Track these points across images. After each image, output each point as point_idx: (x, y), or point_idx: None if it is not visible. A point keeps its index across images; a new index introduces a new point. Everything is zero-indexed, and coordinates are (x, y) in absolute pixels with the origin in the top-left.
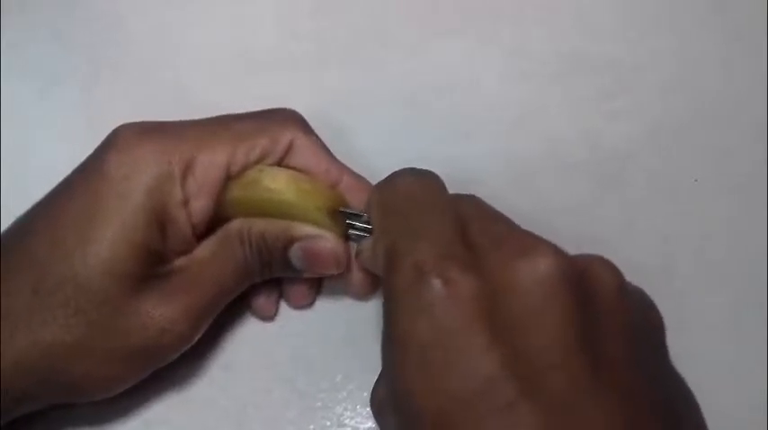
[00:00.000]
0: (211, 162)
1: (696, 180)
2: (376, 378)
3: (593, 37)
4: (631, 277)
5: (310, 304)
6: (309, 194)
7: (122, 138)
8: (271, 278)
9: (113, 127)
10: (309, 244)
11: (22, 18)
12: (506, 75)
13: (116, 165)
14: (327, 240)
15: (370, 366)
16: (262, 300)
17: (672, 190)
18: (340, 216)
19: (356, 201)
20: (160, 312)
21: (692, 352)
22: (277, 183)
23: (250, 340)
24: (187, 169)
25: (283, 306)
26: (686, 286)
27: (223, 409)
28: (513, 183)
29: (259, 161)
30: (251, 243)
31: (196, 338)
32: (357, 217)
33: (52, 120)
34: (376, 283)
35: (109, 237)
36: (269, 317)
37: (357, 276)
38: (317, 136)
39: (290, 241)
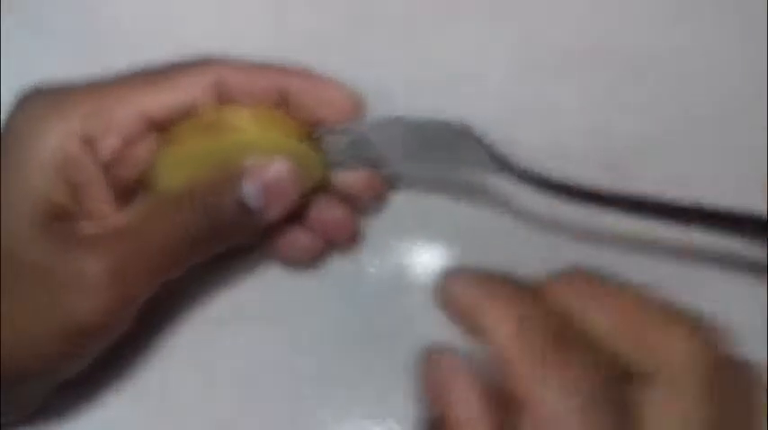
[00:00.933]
0: (118, 101)
1: None
2: (368, 380)
3: (606, 29)
4: (643, 275)
5: (356, 237)
6: (275, 125)
7: (22, 99)
8: (239, 242)
9: None
10: (262, 171)
11: (21, 20)
12: (517, 66)
13: (11, 124)
14: (281, 162)
15: (364, 370)
16: (302, 240)
17: (685, 185)
18: (314, 143)
19: (310, 99)
20: (74, 269)
21: None
22: (241, 121)
23: (243, 344)
24: (91, 112)
25: (278, 307)
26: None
27: (215, 416)
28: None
29: (190, 108)
30: (194, 203)
31: (127, 310)
32: (333, 136)
33: None
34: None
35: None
36: (317, 256)
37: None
38: (245, 60)
39: (240, 178)
